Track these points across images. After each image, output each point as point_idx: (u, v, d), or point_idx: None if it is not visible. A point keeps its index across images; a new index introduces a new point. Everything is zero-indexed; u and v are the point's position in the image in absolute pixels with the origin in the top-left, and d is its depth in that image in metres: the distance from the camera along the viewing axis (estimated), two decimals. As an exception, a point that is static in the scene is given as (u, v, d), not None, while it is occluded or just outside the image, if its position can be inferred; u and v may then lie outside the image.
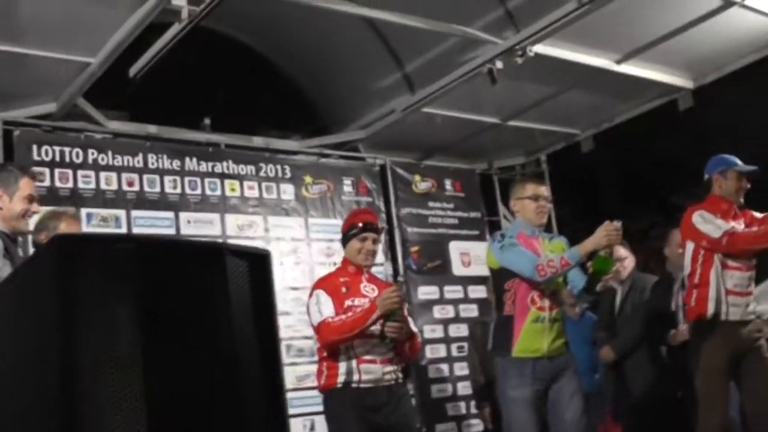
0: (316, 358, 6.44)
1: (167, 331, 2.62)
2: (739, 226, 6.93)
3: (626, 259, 8.84)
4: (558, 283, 6.32)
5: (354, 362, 5.96)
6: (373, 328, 5.88)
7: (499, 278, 6.39)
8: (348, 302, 6.08)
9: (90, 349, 2.62)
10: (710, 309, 6.86)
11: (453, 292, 11.12)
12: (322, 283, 6.30)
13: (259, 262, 3.10)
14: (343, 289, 6.15)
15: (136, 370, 2.58)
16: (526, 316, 6.19)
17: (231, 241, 9.38)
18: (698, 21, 9.04)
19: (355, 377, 5.96)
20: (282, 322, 9.34)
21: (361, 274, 6.31)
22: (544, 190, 6.58)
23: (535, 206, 6.43)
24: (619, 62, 9.71)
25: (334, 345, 5.98)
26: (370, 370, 5.98)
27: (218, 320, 2.73)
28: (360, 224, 6.33)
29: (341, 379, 5.98)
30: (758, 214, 7.05)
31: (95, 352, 2.61)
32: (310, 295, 6.27)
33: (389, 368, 6.06)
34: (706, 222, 6.97)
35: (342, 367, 5.98)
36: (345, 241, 6.39)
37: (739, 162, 7.21)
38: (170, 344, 2.63)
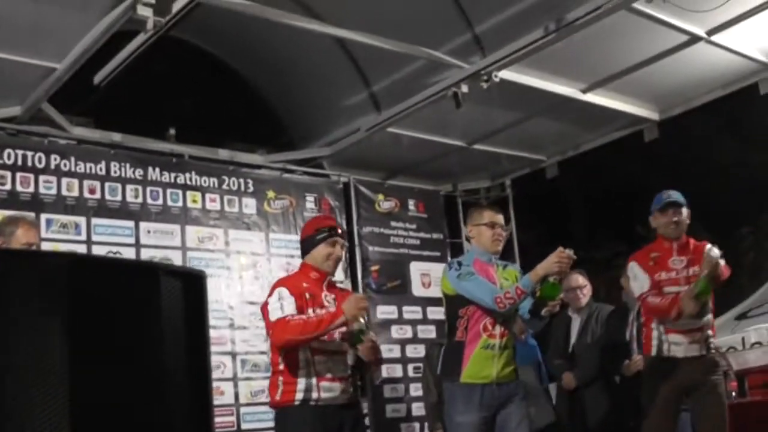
0: (270, 372, 6.21)
1: (97, 348, 2.61)
2: (669, 273, 7.01)
3: (584, 288, 8.93)
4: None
5: (314, 379, 5.67)
6: (340, 344, 5.78)
7: (453, 304, 6.34)
8: (310, 311, 5.71)
9: (18, 363, 2.60)
10: (653, 348, 7.06)
11: (412, 312, 11.12)
12: (285, 282, 5.94)
13: (193, 283, 3.10)
14: (307, 295, 5.79)
15: (63, 385, 2.57)
16: (477, 342, 6.15)
17: (190, 253, 9.42)
18: (664, 54, 9.15)
19: (314, 395, 5.67)
20: (238, 336, 9.40)
21: (322, 282, 5.98)
22: (501, 218, 6.59)
23: (492, 233, 6.42)
24: (585, 91, 9.80)
25: (288, 345, 5.62)
26: (330, 388, 5.72)
27: (149, 338, 2.73)
28: (328, 228, 6.06)
29: (299, 396, 5.67)
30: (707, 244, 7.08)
31: (23, 366, 2.60)
32: (271, 293, 5.85)
33: (347, 387, 5.86)
34: (633, 279, 7.22)
35: (301, 383, 5.67)
36: (311, 245, 6.01)
37: (663, 198, 7.24)
38: (99, 361, 2.62)
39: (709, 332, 6.96)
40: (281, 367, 5.74)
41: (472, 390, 6.12)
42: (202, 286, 3.19)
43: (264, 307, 5.82)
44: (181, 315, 2.90)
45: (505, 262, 6.69)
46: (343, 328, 5.72)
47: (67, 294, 2.56)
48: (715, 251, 6.39)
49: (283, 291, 5.75)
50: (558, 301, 6.21)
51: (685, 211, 7.18)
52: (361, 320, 5.67)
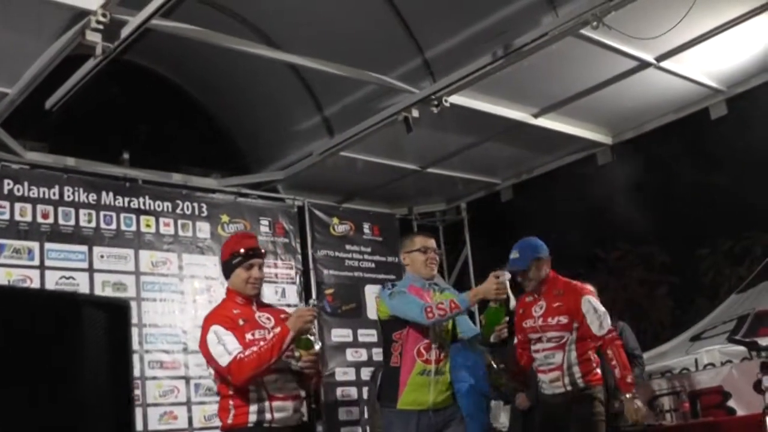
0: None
1: (15, 377, 2.63)
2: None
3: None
4: (444, 337, 6.33)
5: (266, 400, 5.49)
6: (285, 359, 5.54)
7: (387, 328, 6.32)
8: (249, 335, 5.51)
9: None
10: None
11: (367, 335, 11.13)
12: (215, 318, 5.64)
13: (117, 313, 3.12)
14: (240, 322, 5.57)
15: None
16: (412, 368, 6.12)
17: (144, 278, 9.42)
18: (615, 80, 9.28)
19: (268, 416, 5.48)
20: (192, 360, 9.39)
21: (251, 305, 5.76)
22: (433, 242, 6.57)
23: (425, 258, 6.41)
24: (536, 116, 9.91)
25: (250, 381, 5.40)
26: (283, 407, 5.55)
27: (70, 366, 2.75)
28: (242, 250, 5.79)
29: (253, 418, 5.47)
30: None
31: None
32: (205, 333, 5.56)
33: (299, 406, 5.72)
34: None
35: (253, 405, 5.47)
36: (228, 270, 5.81)
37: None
38: (18, 389, 2.64)
39: (575, 369, 7.07)
40: (230, 391, 5.53)
41: (409, 416, 6.09)
42: (125, 316, 3.21)
43: (204, 349, 5.58)
44: (104, 345, 2.92)
45: (443, 286, 6.70)
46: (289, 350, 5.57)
47: (-13, 324, 2.59)
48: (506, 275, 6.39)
49: (219, 329, 5.53)
50: (504, 325, 6.26)
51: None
52: (313, 331, 5.55)
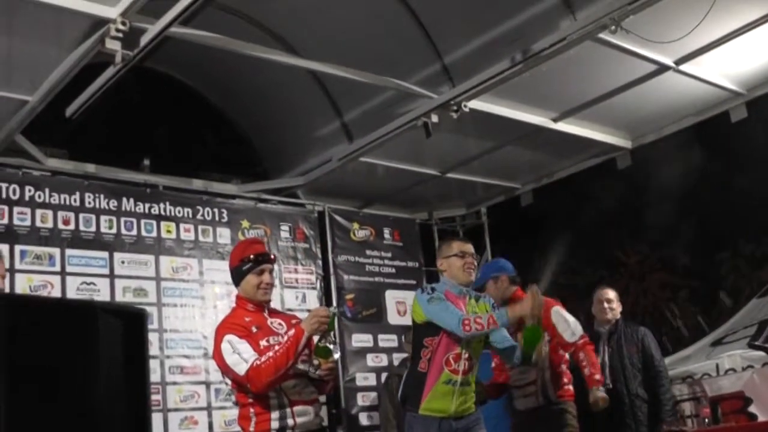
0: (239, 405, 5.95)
1: (33, 385, 2.64)
2: None
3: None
4: (476, 349, 6.30)
5: (287, 405, 5.48)
6: (302, 366, 5.54)
7: (420, 332, 6.30)
8: (263, 342, 5.48)
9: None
10: None
11: (387, 340, 11.15)
12: (228, 328, 5.60)
13: (134, 321, 3.13)
14: (254, 329, 5.55)
15: (-1, 423, 2.60)
16: (439, 376, 6.12)
17: (164, 283, 9.47)
18: (634, 83, 9.27)
19: (290, 422, 5.47)
20: (212, 365, 9.31)
21: (262, 311, 5.75)
22: (471, 248, 6.55)
23: (462, 263, 6.38)
24: (556, 120, 9.91)
25: (270, 387, 5.38)
26: (304, 412, 5.54)
27: (86, 375, 2.75)
28: (252, 256, 5.77)
29: (275, 425, 5.46)
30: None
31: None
32: (219, 343, 5.51)
33: (318, 410, 5.73)
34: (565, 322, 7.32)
35: (274, 411, 5.46)
36: (239, 277, 5.79)
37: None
38: (35, 397, 2.65)
39: (548, 383, 7.08)
40: (250, 399, 5.52)
41: (430, 422, 6.10)
42: (142, 324, 3.22)
43: (219, 359, 5.54)
44: (121, 353, 2.93)
45: (479, 294, 6.66)
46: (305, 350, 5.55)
47: (4, 334, 2.60)
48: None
49: (232, 338, 5.48)
50: (543, 344, 6.30)
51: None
52: (331, 337, 5.50)
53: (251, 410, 5.52)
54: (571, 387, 7.36)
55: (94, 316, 2.90)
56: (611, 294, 8.84)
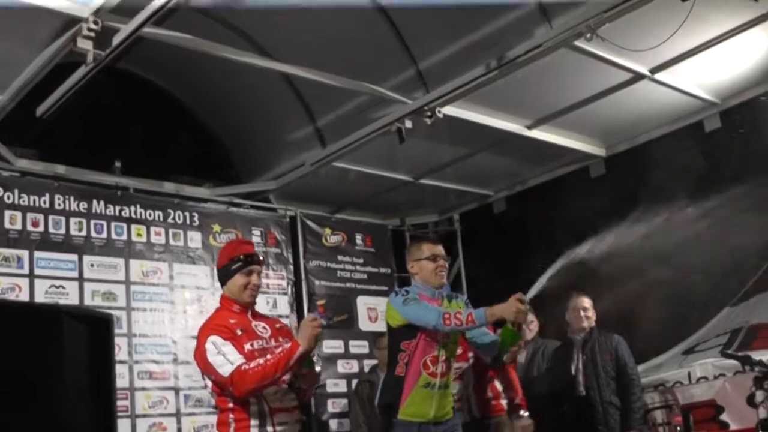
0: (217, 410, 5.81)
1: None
2: None
3: (531, 323, 9.02)
4: (453, 351, 6.28)
5: (267, 411, 5.43)
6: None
7: (396, 337, 6.25)
8: (247, 346, 5.45)
9: None
10: None
11: (358, 347, 11.10)
12: (212, 329, 5.51)
13: (99, 326, 3.08)
14: (238, 332, 5.49)
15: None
16: (417, 379, 6.09)
17: (134, 287, 9.37)
18: (609, 92, 9.28)
19: (270, 429, 5.43)
20: (181, 371, 9.34)
21: (247, 313, 5.70)
22: (441, 249, 6.51)
23: (434, 266, 6.34)
24: (530, 127, 9.91)
25: (251, 394, 5.34)
26: (283, 420, 5.49)
27: (51, 380, 2.70)
28: (242, 256, 5.73)
29: (255, 431, 5.41)
30: None
31: None
32: (202, 343, 5.43)
33: (299, 417, 5.67)
34: None
35: (254, 419, 5.41)
36: (226, 276, 5.74)
37: None
38: (-1, 402, 2.60)
39: (472, 399, 7.09)
40: (230, 404, 5.46)
41: (409, 427, 6.07)
42: (108, 329, 3.16)
43: (201, 360, 5.46)
44: (86, 358, 2.88)
45: (451, 293, 6.60)
46: None
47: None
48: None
49: (216, 339, 5.41)
50: (518, 347, 6.26)
51: None
52: (316, 348, 5.46)
53: (231, 416, 5.47)
54: (501, 401, 7.33)
55: (59, 320, 2.84)
56: (587, 302, 8.85)
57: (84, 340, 2.90)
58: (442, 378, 6.17)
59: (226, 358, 5.31)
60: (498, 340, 6.17)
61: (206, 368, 5.42)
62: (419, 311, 6.04)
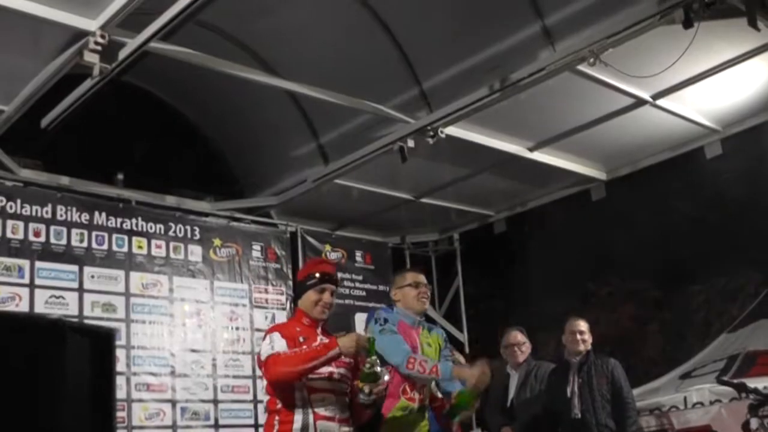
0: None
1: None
2: None
3: (523, 345, 9.06)
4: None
5: (311, 416, 5.49)
6: (340, 384, 5.61)
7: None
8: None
9: None
10: None
11: (355, 364, 11.05)
12: (278, 328, 5.82)
13: (102, 341, 3.11)
14: (300, 339, 5.62)
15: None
16: (395, 403, 6.17)
17: (134, 299, 9.39)
18: (611, 116, 9.32)
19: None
20: (179, 384, 9.35)
21: (315, 328, 5.79)
22: (423, 278, 6.66)
23: (416, 293, 6.50)
24: (532, 150, 9.95)
25: (280, 378, 5.46)
26: (327, 428, 5.52)
27: (52, 393, 2.72)
28: (318, 274, 5.88)
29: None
30: None
31: None
32: (264, 338, 5.72)
33: (346, 429, 5.66)
34: None
35: (297, 421, 5.49)
36: (301, 290, 5.93)
37: None
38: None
39: None
40: (278, 406, 5.59)
41: None
42: (110, 344, 3.19)
43: (259, 356, 5.75)
44: (88, 372, 2.90)
45: (431, 325, 6.78)
46: (342, 370, 5.64)
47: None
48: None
49: (275, 335, 5.63)
50: (471, 412, 6.51)
51: None
52: (375, 360, 5.48)
53: (276, 418, 5.59)
54: None
55: (63, 335, 2.87)
56: (583, 325, 8.86)
57: (86, 354, 2.93)
58: (420, 403, 6.27)
59: (272, 347, 5.52)
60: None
61: (259, 362, 5.69)
62: (390, 346, 6.15)
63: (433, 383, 6.41)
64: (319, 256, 11.16)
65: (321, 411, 5.52)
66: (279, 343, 5.53)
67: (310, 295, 5.81)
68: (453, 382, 6.32)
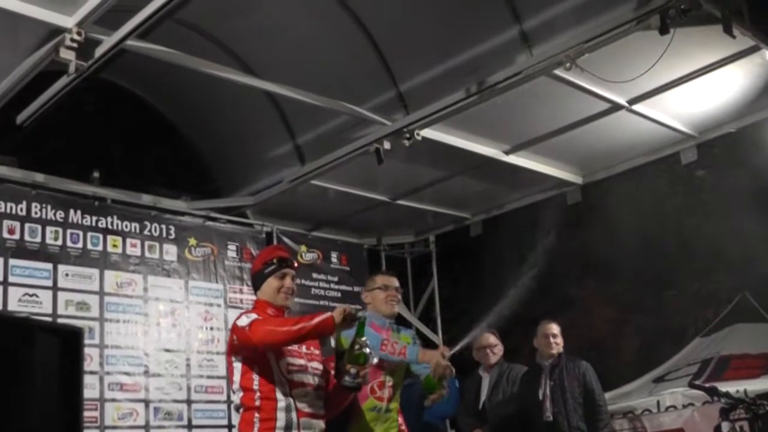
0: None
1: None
2: None
3: (495, 347, 9.11)
4: (399, 376, 6.44)
5: (294, 415, 5.31)
6: (317, 378, 5.46)
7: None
8: None
9: None
10: None
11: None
12: (249, 311, 5.66)
13: (70, 340, 3.09)
14: None
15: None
16: (364, 402, 6.21)
17: (108, 298, 9.34)
18: (587, 120, 9.37)
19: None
20: (152, 383, 9.31)
21: (281, 317, 5.62)
22: (395, 281, 6.67)
23: (385, 295, 6.53)
24: (508, 153, 9.98)
25: (269, 338, 5.21)
26: (310, 425, 5.39)
27: (20, 393, 2.71)
28: (275, 260, 5.73)
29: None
30: None
31: None
32: (238, 317, 5.47)
33: (323, 425, 5.54)
34: None
35: (281, 419, 5.29)
36: (260, 280, 5.73)
37: None
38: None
39: None
40: (257, 402, 5.35)
41: None
42: (78, 342, 3.17)
43: (231, 335, 5.52)
44: (56, 371, 2.89)
45: (400, 327, 6.80)
46: (315, 363, 5.53)
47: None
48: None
49: (251, 314, 5.45)
50: (437, 396, 6.43)
51: None
52: (364, 341, 5.34)
53: (256, 415, 5.36)
54: None
55: (32, 333, 2.85)
56: (556, 329, 8.90)
57: (54, 353, 2.92)
58: (388, 402, 6.35)
59: (249, 318, 5.35)
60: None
61: (235, 335, 5.41)
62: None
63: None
64: (294, 256, 11.09)
65: (304, 408, 5.37)
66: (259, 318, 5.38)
67: (271, 282, 5.67)
68: (426, 369, 6.39)
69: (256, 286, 5.82)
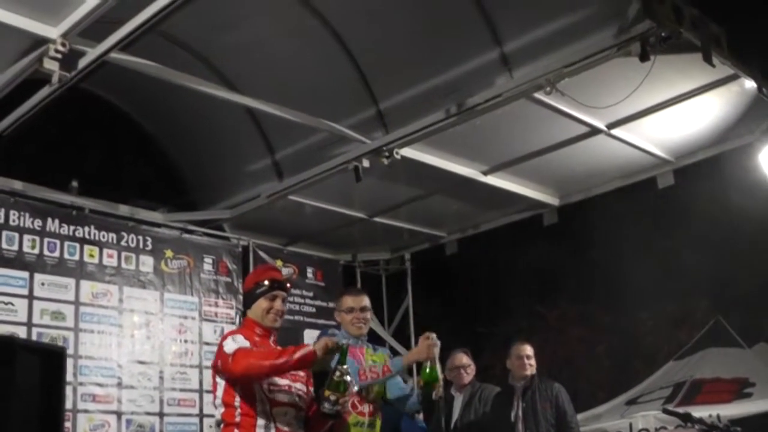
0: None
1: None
2: None
3: (468, 367, 9.11)
4: (378, 392, 6.47)
5: (273, 431, 5.38)
6: (299, 399, 5.50)
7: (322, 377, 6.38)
8: None
9: None
10: None
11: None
12: (235, 332, 5.68)
13: (52, 359, 3.11)
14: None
15: None
16: (347, 418, 6.18)
17: (83, 308, 9.32)
18: (565, 143, 9.40)
19: None
20: (125, 395, 9.31)
21: (268, 338, 5.65)
22: (362, 301, 6.66)
23: (351, 318, 6.56)
24: (486, 173, 10.00)
25: (249, 370, 5.25)
26: None
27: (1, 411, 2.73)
28: (267, 281, 5.72)
29: None
30: None
31: None
32: (222, 341, 5.50)
33: None
34: None
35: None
36: (251, 299, 5.75)
37: None
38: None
39: None
40: (237, 419, 5.41)
41: None
42: (61, 363, 3.19)
43: (215, 358, 5.55)
44: (37, 391, 2.91)
45: (376, 345, 6.84)
46: (299, 384, 5.56)
47: None
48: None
49: (238, 336, 5.49)
50: (440, 383, 6.39)
51: None
52: (345, 369, 5.35)
53: (235, 431, 5.40)
54: None
55: (13, 352, 2.87)
56: (529, 350, 8.93)
57: (36, 372, 2.93)
58: (371, 417, 6.39)
59: (237, 343, 5.36)
60: (408, 395, 6.64)
61: (218, 356, 5.46)
62: None
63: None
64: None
65: (283, 427, 5.41)
66: (244, 344, 5.39)
67: (261, 303, 5.67)
68: (400, 389, 6.58)
69: (247, 305, 5.88)
